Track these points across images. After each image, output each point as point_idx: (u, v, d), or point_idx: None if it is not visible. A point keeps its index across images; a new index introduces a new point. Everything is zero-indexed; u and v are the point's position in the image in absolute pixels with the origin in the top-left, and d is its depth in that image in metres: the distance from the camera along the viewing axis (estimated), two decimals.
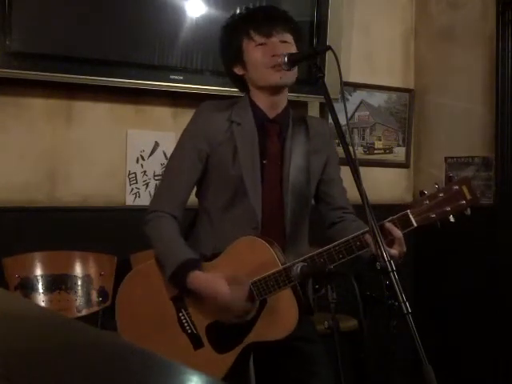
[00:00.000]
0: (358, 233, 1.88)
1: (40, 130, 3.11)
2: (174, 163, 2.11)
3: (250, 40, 2.03)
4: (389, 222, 1.87)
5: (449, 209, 1.83)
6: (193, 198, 2.15)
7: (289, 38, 2.03)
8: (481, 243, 3.67)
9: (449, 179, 1.86)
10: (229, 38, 2.10)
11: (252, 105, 2.08)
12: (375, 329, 1.89)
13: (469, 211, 1.84)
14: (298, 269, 1.85)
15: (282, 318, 1.95)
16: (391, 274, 1.63)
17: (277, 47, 2.00)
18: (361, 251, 1.87)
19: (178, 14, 3.20)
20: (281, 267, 1.92)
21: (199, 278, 1.95)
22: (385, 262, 1.65)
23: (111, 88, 3.13)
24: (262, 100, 2.07)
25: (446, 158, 3.90)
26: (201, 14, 3.24)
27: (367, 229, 1.80)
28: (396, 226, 1.87)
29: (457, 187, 1.82)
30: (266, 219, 2.02)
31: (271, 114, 2.08)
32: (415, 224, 1.85)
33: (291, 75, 2.02)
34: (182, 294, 2.02)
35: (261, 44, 2.01)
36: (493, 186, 3.66)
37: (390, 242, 1.86)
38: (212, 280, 1.95)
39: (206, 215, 2.08)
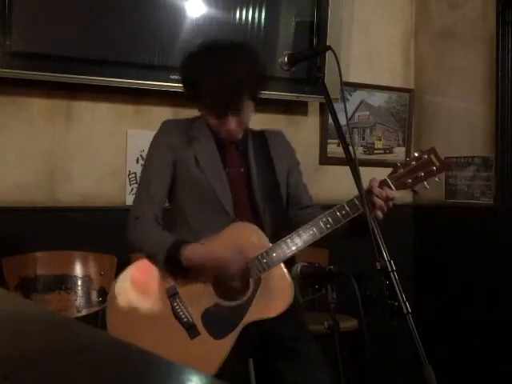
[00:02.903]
0: (342, 203, 1.99)
1: (40, 129, 3.11)
2: (146, 171, 2.22)
3: (207, 112, 2.09)
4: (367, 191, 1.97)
5: (422, 174, 2.00)
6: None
7: (244, 105, 2.04)
8: (481, 243, 3.67)
9: (416, 153, 2.05)
10: (186, 82, 2.12)
11: (208, 125, 2.16)
12: (375, 329, 1.89)
13: (438, 179, 2.05)
14: (298, 269, 1.86)
15: (278, 294, 2.01)
16: (391, 273, 1.64)
17: (231, 125, 2.05)
18: (347, 219, 1.98)
19: (177, 14, 3.20)
20: (272, 245, 2.01)
21: (194, 248, 2.01)
22: (385, 261, 1.65)
23: (111, 88, 3.14)
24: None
25: (445, 158, 3.88)
26: (201, 14, 3.24)
27: (352, 198, 1.96)
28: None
29: (426, 156, 2.02)
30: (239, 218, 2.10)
31: None
32: (394, 188, 2.00)
33: (241, 130, 2.11)
34: (178, 276, 2.04)
35: (218, 118, 2.06)
36: (493, 186, 3.66)
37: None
38: (207, 244, 2.01)
39: (184, 225, 2.14)
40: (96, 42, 3.04)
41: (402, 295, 1.62)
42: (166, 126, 2.21)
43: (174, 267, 2.03)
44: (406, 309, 1.61)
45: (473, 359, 3.69)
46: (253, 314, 2.00)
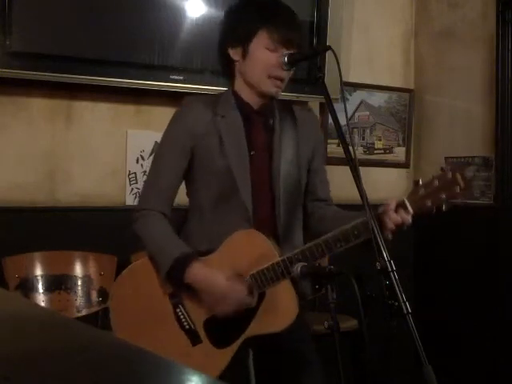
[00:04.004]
0: (355, 222, 1.86)
1: (40, 129, 3.11)
2: (158, 161, 2.09)
3: (267, 37, 1.96)
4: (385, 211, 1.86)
5: (444, 196, 1.82)
6: (184, 198, 2.15)
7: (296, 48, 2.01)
8: (481, 243, 3.67)
9: (441, 169, 1.86)
10: (244, 18, 2.01)
11: (236, 97, 2.05)
12: (375, 329, 1.89)
13: (461, 199, 1.84)
14: (298, 269, 1.85)
15: (281, 309, 1.95)
16: (391, 273, 1.63)
17: (284, 57, 1.96)
18: (358, 240, 1.86)
19: (178, 13, 3.20)
20: (279, 259, 1.92)
21: (197, 273, 1.94)
22: (385, 261, 1.65)
23: (111, 88, 3.13)
24: (246, 93, 2.05)
25: (446, 158, 3.90)
26: (201, 14, 3.24)
27: (363, 219, 1.80)
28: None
29: (450, 176, 1.82)
30: (256, 212, 2.01)
31: (256, 105, 2.06)
32: (412, 211, 1.85)
33: (283, 87, 2.03)
34: (179, 290, 2.00)
35: (273, 49, 1.96)
36: (493, 186, 3.66)
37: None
38: (210, 274, 1.95)
39: (198, 212, 2.06)
40: (96, 42, 3.04)
41: (402, 295, 1.61)
42: (188, 105, 2.06)
43: (174, 281, 1.98)
44: (406, 309, 1.61)
45: (473, 359, 3.69)
46: (255, 328, 1.96)
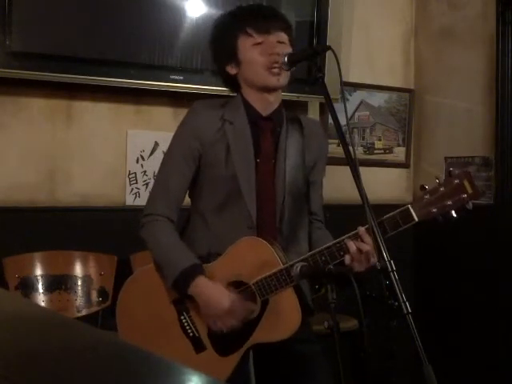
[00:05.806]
0: (357, 231, 1.86)
1: (40, 129, 3.11)
2: (166, 165, 2.08)
3: (247, 38, 1.99)
4: (384, 220, 1.84)
5: (450, 203, 1.78)
6: (186, 199, 2.14)
7: (285, 38, 2.02)
8: (481, 243, 3.67)
9: (449, 173, 1.81)
10: (223, 36, 2.05)
11: (245, 103, 2.06)
12: (375, 329, 1.89)
13: (471, 205, 1.79)
14: (298, 269, 1.84)
15: (284, 318, 1.93)
16: (391, 273, 1.63)
17: (274, 46, 1.97)
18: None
19: (178, 13, 3.20)
20: (282, 266, 1.91)
21: (201, 290, 1.94)
22: (385, 261, 1.65)
23: (111, 88, 3.13)
24: (254, 98, 2.05)
25: (446, 158, 3.90)
26: (201, 14, 3.24)
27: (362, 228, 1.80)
28: (398, 222, 1.84)
29: (458, 181, 1.78)
30: (260, 219, 2.00)
31: (264, 112, 2.06)
32: (416, 219, 1.81)
33: (287, 76, 2.01)
34: (184, 298, 2.00)
35: (258, 43, 1.98)
36: (493, 186, 3.66)
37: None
38: (214, 293, 1.93)
39: (200, 216, 2.06)
40: (96, 42, 3.04)
41: (402, 295, 1.61)
42: (196, 112, 2.06)
43: (179, 291, 1.98)
44: (406, 309, 1.61)
45: (473, 359, 3.69)
46: (258, 337, 1.95)
